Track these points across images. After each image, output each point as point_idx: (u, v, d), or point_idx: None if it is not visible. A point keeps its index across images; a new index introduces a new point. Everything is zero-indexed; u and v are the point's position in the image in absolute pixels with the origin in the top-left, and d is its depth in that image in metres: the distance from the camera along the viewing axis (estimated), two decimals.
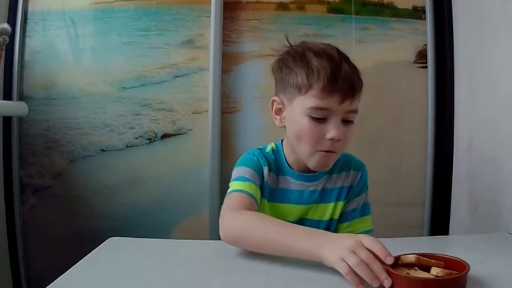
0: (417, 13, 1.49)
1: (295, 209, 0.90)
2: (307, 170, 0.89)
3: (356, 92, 0.81)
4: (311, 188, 0.90)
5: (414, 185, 1.48)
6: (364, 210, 0.93)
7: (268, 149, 0.93)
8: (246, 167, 0.88)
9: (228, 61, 1.46)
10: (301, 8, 1.48)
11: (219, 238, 0.76)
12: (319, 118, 0.81)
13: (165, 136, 1.47)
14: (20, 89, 1.46)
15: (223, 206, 0.83)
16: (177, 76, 1.47)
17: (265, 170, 0.89)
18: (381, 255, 0.60)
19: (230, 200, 0.83)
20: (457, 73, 1.41)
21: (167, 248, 0.84)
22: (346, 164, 0.93)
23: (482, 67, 1.25)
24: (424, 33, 1.47)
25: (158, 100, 1.47)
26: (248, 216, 0.77)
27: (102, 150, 1.47)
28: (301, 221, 0.89)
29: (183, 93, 1.46)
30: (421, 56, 1.48)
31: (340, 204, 0.92)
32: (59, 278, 0.65)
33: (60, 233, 1.47)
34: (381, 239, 0.68)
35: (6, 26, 1.21)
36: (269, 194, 0.90)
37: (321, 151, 0.82)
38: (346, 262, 0.60)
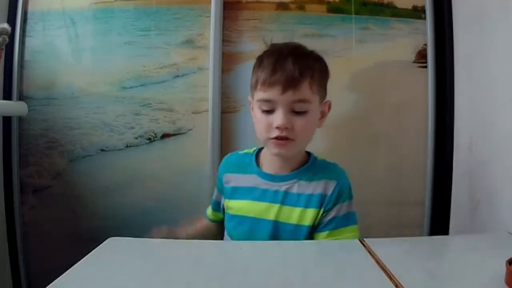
0: (417, 13, 1.49)
1: (257, 206, 0.94)
2: (278, 171, 0.95)
3: (299, 83, 0.86)
4: (274, 188, 0.95)
5: (414, 184, 1.48)
6: (348, 219, 0.91)
7: (246, 151, 1.04)
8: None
9: (228, 61, 1.46)
10: (301, 8, 1.48)
11: (219, 238, 0.76)
12: (268, 111, 0.88)
13: (165, 136, 1.47)
14: (20, 89, 1.46)
15: None
16: (177, 76, 1.47)
17: (225, 176, 1.02)
18: None
19: None
20: (457, 73, 1.41)
21: (167, 248, 0.84)
22: (320, 172, 0.94)
23: (482, 67, 1.25)
24: (424, 33, 1.47)
25: (158, 100, 1.47)
26: None
27: (102, 150, 1.47)
28: (274, 222, 0.92)
29: (183, 93, 1.46)
30: (421, 56, 1.48)
31: (310, 211, 0.91)
32: (59, 278, 0.65)
33: (60, 233, 1.47)
34: (381, 239, 0.68)
35: (6, 26, 1.21)
36: (232, 193, 0.99)
37: (271, 139, 0.89)
38: None
